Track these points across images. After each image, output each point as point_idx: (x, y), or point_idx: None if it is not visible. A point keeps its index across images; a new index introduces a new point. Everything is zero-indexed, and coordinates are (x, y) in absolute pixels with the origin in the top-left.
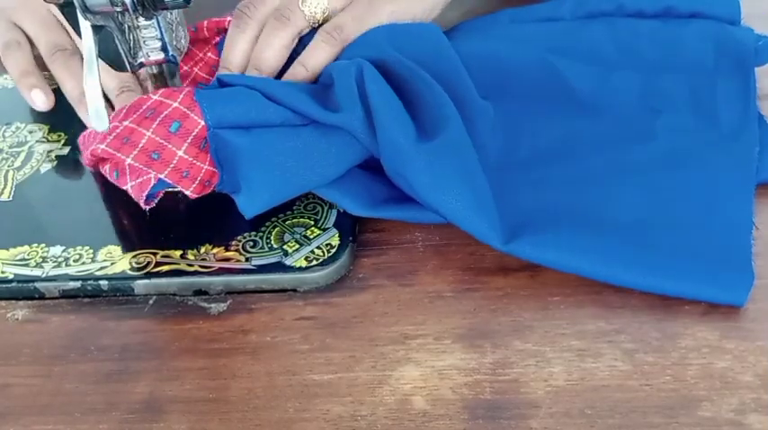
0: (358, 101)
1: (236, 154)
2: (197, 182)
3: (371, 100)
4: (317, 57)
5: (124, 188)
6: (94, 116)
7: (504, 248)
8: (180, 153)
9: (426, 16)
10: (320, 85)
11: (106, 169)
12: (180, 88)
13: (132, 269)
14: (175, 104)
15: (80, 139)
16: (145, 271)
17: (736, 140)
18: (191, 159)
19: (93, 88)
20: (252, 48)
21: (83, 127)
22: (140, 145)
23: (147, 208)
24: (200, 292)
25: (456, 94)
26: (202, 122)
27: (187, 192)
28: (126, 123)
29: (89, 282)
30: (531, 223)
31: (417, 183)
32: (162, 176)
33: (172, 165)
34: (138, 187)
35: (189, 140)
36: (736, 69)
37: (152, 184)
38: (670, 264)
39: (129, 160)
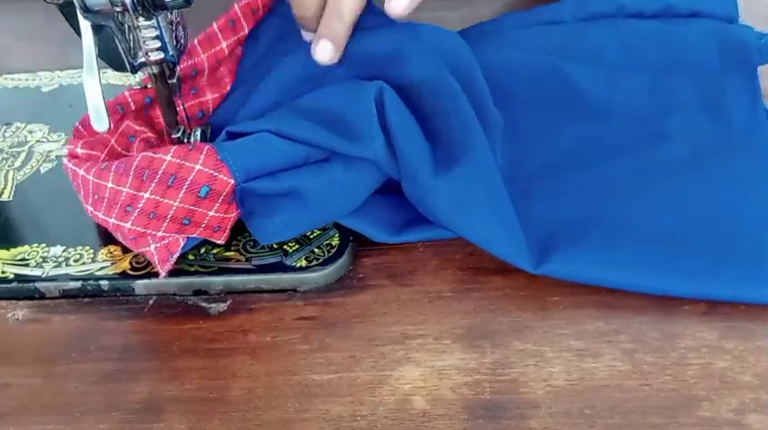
0: (378, 127)
1: (266, 201)
2: (227, 230)
3: (392, 128)
4: (322, 51)
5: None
6: (95, 116)
7: (535, 271)
8: (211, 213)
9: None
10: (336, 113)
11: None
12: (195, 145)
13: (132, 269)
14: (198, 167)
15: (75, 133)
16: (145, 271)
17: (750, 139)
18: (221, 215)
19: (92, 88)
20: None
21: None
22: (169, 216)
23: (164, 271)
24: (200, 292)
25: (473, 101)
26: (232, 181)
27: (219, 241)
28: (146, 195)
29: (89, 282)
30: (559, 238)
31: (441, 212)
32: (195, 235)
33: (203, 225)
34: (164, 249)
35: (220, 200)
36: (740, 68)
37: (182, 245)
38: (709, 268)
39: (160, 233)
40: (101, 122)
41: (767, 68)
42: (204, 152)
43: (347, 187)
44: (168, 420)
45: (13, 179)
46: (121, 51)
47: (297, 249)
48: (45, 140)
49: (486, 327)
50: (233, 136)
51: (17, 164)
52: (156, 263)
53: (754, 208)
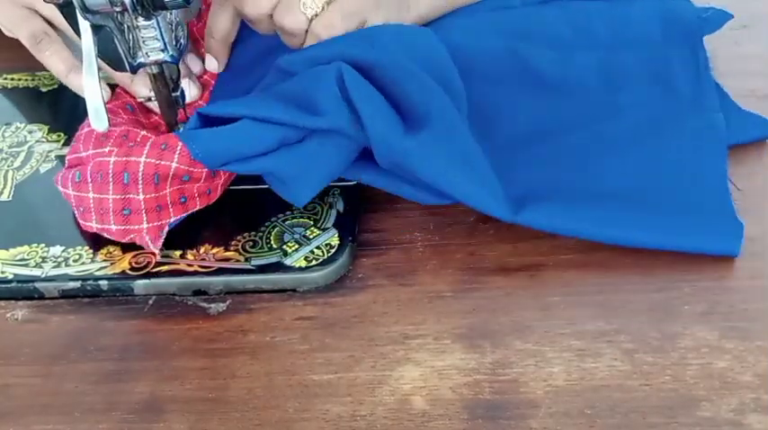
0: (342, 101)
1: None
2: (219, 188)
3: (355, 100)
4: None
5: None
6: (94, 116)
7: (513, 219)
8: (198, 185)
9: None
10: (301, 93)
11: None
12: (168, 143)
13: (132, 269)
14: (174, 165)
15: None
16: (144, 271)
17: (698, 106)
18: (208, 184)
19: (92, 88)
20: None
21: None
22: (169, 203)
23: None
24: (199, 292)
25: (435, 73)
26: (205, 171)
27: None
28: (141, 197)
29: (89, 282)
30: (534, 195)
31: (419, 171)
32: (196, 208)
33: (197, 196)
34: (155, 229)
35: (203, 179)
36: (683, 40)
37: (171, 221)
38: (666, 221)
39: (172, 219)
40: (100, 122)
41: (766, 69)
42: (178, 151)
43: (323, 161)
44: (168, 420)
45: (12, 179)
46: (121, 52)
47: (296, 249)
48: (44, 140)
49: (486, 327)
50: (203, 118)
51: (17, 164)
52: (149, 242)
53: (710, 166)
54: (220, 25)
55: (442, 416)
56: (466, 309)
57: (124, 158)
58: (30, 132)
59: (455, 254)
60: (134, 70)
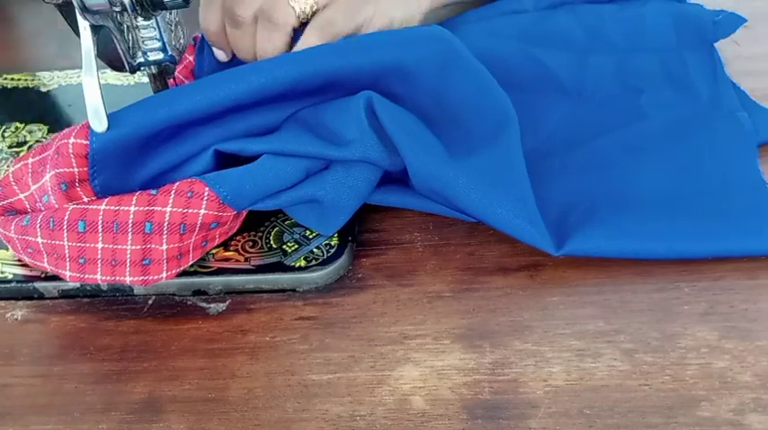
0: (369, 129)
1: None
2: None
3: (387, 127)
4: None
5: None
6: (93, 116)
7: (557, 253)
8: (216, 233)
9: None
10: (328, 123)
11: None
12: (194, 191)
13: None
14: (203, 211)
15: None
16: None
17: (718, 107)
18: (226, 226)
19: (91, 88)
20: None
21: None
22: (191, 251)
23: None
24: (199, 292)
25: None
26: (233, 213)
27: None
28: (164, 247)
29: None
30: (570, 218)
31: (459, 201)
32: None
33: (217, 236)
34: (172, 275)
35: (228, 223)
36: (698, 42)
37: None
38: (710, 227)
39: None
40: (100, 122)
41: (766, 69)
42: (205, 197)
43: (351, 187)
44: (167, 420)
45: None
46: (120, 51)
47: (296, 249)
48: (44, 140)
49: (485, 327)
50: (218, 155)
51: None
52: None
53: (742, 165)
54: (211, 17)
55: (441, 417)
56: (465, 309)
57: (146, 208)
58: (30, 132)
59: (455, 254)
60: (134, 70)
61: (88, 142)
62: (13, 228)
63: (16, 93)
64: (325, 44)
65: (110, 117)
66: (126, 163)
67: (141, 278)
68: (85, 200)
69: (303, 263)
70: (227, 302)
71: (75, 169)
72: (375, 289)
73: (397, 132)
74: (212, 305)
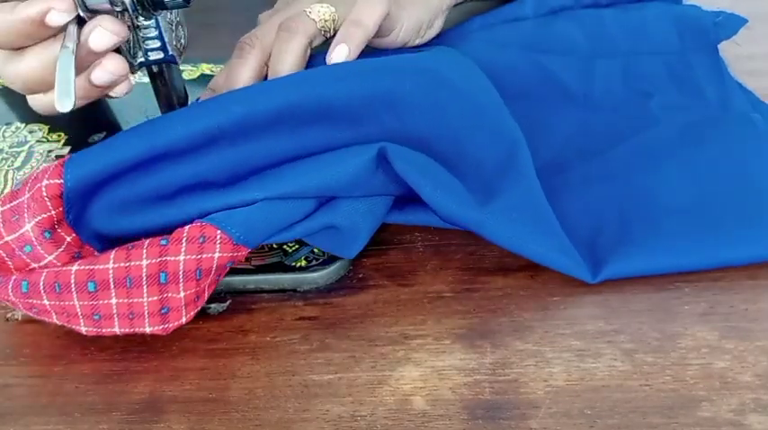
0: (377, 170)
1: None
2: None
3: (407, 175)
4: (338, 53)
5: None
6: (61, 92)
7: (594, 280)
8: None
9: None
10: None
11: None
12: (206, 236)
13: None
14: (218, 255)
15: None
16: None
17: (728, 110)
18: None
19: (65, 63)
20: (256, 77)
21: (82, 127)
22: (206, 291)
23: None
24: None
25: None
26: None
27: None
28: (181, 294)
29: None
30: (601, 238)
31: (492, 239)
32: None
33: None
34: (190, 316)
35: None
36: (701, 44)
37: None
38: (739, 235)
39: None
40: (67, 100)
41: (766, 69)
42: (218, 241)
43: (367, 212)
44: (168, 420)
45: (12, 179)
46: (121, 51)
47: (296, 249)
48: (45, 140)
49: (486, 327)
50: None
51: (17, 164)
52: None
53: (758, 169)
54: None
55: (441, 417)
56: (466, 310)
57: (158, 259)
58: (30, 132)
59: (455, 254)
60: (134, 70)
61: (62, 181)
62: (11, 292)
63: (16, 93)
64: (313, 71)
65: (84, 153)
66: (102, 198)
67: (162, 327)
68: (68, 239)
69: (304, 263)
70: (228, 302)
71: (53, 212)
72: (376, 289)
73: (413, 175)
74: (213, 305)
